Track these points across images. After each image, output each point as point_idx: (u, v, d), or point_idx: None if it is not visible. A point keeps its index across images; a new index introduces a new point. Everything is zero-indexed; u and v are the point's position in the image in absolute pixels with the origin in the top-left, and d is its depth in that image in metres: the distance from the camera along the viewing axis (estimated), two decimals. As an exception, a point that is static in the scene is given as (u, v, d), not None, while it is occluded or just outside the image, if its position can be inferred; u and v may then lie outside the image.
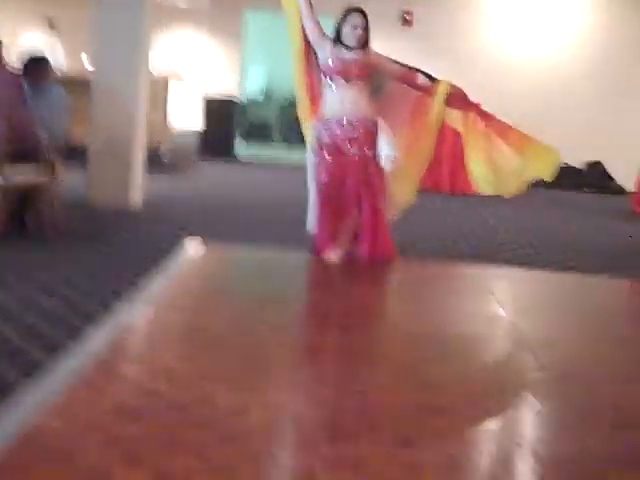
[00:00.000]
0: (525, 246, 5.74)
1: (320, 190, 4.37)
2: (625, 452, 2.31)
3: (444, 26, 11.80)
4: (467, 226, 6.60)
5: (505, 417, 2.56)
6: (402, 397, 2.63)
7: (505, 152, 4.39)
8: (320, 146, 4.35)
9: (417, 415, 2.47)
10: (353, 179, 4.31)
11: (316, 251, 4.40)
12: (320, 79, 4.44)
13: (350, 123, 4.28)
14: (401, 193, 4.57)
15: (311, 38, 4.43)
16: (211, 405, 2.39)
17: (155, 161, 8.38)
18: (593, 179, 10.43)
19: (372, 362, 3.02)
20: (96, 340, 2.93)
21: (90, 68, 8.16)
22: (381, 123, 4.33)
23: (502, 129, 4.39)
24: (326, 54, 4.34)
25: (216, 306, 3.62)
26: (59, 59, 10.50)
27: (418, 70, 4.52)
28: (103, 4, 6.52)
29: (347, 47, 4.32)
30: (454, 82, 4.48)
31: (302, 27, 4.43)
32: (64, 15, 11.35)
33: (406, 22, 12.07)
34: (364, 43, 4.35)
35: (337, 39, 4.35)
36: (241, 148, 12.19)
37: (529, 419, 2.54)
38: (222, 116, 11.36)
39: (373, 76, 4.39)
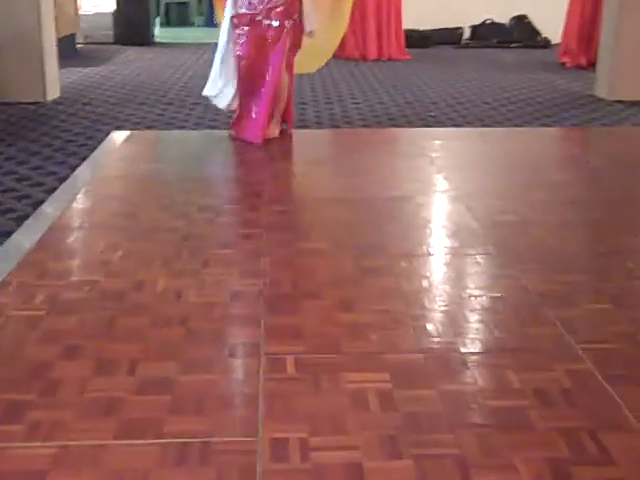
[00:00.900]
0: (454, 105, 5.70)
1: (238, 65, 4.22)
2: (558, 290, 2.38)
3: None
4: (395, 91, 6.48)
5: (445, 271, 2.60)
6: (339, 261, 2.64)
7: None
8: (236, 17, 4.16)
9: (356, 278, 2.48)
10: (266, 51, 4.15)
11: (258, 136, 4.24)
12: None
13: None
14: (316, 57, 4.64)
15: None
16: (148, 291, 2.36)
17: (69, 50, 7.94)
18: (519, 34, 10.33)
19: (308, 232, 3.00)
20: (25, 239, 2.84)
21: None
22: None
23: None
24: None
25: (146, 192, 3.53)
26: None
27: None
28: None
29: None
30: None
31: None
32: None
33: None
34: None
35: None
36: (159, 31, 11.62)
37: (467, 270, 2.59)
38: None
39: None
